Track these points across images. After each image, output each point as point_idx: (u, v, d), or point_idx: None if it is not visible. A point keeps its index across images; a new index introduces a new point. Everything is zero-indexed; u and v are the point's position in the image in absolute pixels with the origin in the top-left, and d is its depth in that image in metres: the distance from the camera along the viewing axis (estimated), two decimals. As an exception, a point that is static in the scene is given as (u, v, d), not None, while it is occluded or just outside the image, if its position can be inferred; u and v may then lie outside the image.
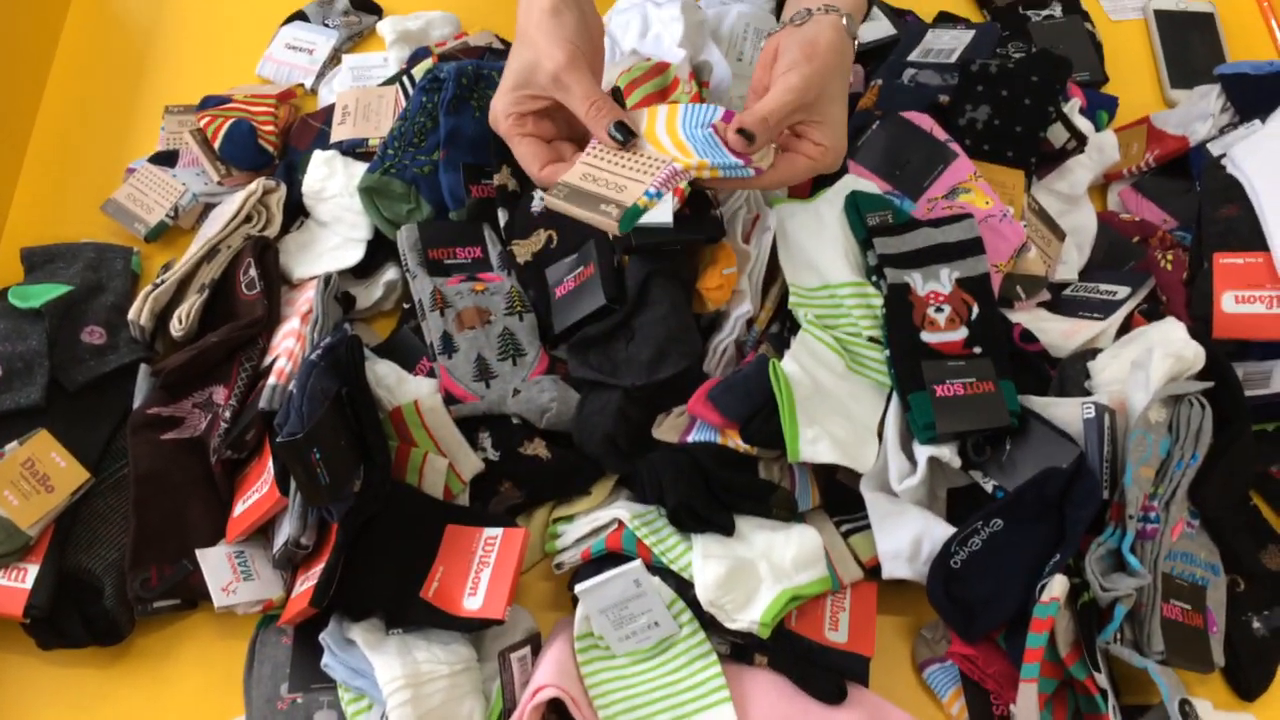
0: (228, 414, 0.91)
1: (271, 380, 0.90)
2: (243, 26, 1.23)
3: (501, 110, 0.87)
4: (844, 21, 0.87)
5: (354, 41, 1.22)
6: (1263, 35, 1.24)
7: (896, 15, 1.20)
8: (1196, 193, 1.06)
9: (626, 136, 0.81)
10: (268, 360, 0.94)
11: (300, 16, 1.22)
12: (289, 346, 0.93)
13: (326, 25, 1.21)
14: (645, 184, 0.81)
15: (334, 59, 1.19)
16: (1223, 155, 1.02)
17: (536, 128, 0.88)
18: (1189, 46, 1.22)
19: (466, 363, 0.94)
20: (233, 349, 0.95)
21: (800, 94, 0.83)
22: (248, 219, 1.01)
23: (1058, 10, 1.23)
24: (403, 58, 1.17)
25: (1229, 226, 0.97)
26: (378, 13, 1.24)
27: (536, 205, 1.02)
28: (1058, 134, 1.06)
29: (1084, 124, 1.09)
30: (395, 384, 0.93)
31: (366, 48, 1.22)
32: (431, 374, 0.95)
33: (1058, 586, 0.80)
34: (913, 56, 1.12)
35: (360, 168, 1.05)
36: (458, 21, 1.21)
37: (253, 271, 0.97)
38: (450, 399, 0.92)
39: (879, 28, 1.19)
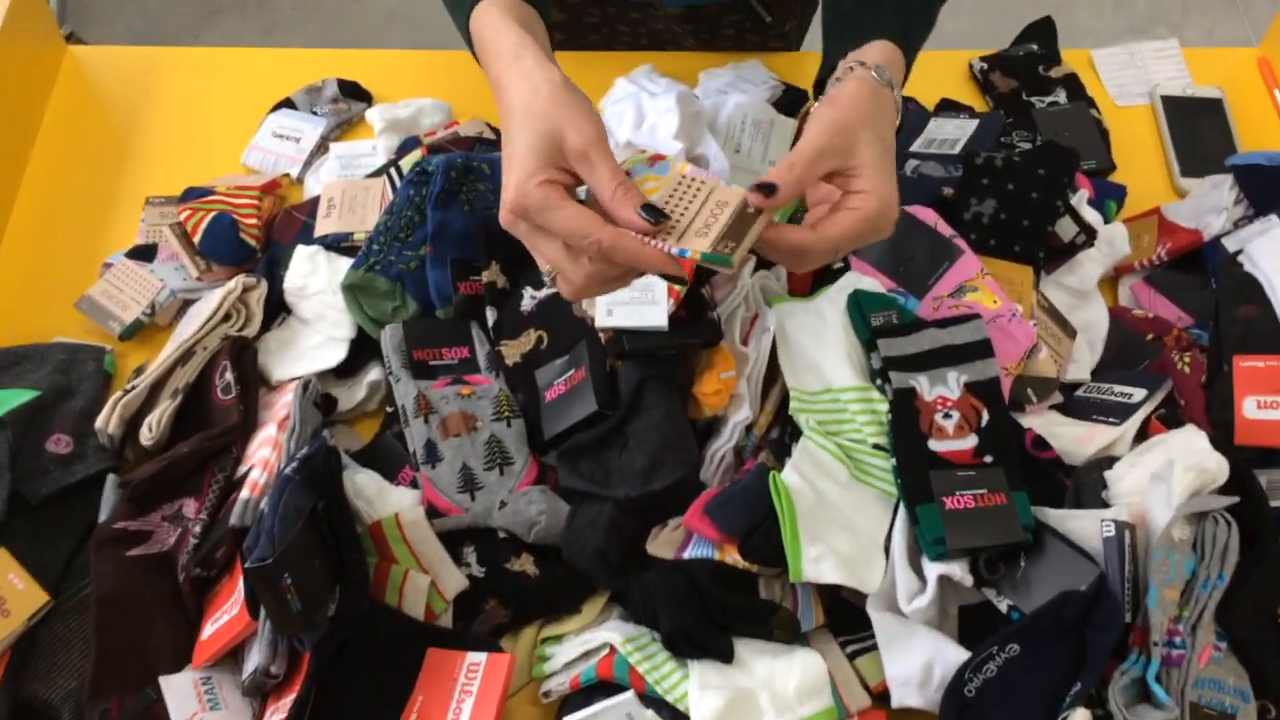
0: (198, 529, 0.87)
1: (244, 494, 0.86)
2: (229, 115, 1.20)
3: (530, 180, 0.71)
4: (871, 74, 0.79)
5: (342, 129, 1.19)
6: (1273, 122, 1.21)
7: (897, 103, 1.17)
8: (1212, 289, 1.02)
9: (657, 218, 0.73)
10: (242, 470, 0.89)
11: (288, 104, 1.19)
12: (264, 456, 0.89)
13: (314, 113, 1.18)
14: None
15: (321, 147, 1.16)
16: (1239, 251, 0.99)
17: None
18: (1198, 133, 1.19)
19: (451, 473, 0.90)
20: (205, 458, 0.90)
21: (825, 138, 0.74)
22: (226, 318, 0.98)
23: (1062, 96, 1.20)
24: (391, 147, 1.13)
25: (1248, 327, 0.93)
26: (367, 100, 1.21)
27: (526, 304, 0.98)
28: (1066, 228, 1.02)
29: (1092, 216, 1.06)
30: (375, 495, 0.88)
31: (355, 135, 1.19)
32: (414, 484, 0.91)
33: (1080, 721, 0.75)
34: (915, 147, 1.09)
35: (344, 263, 1.01)
36: (449, 109, 1.18)
37: (229, 375, 0.93)
38: (433, 512, 0.88)
39: (880, 116, 1.16)
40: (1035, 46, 1.25)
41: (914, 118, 1.14)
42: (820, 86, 0.86)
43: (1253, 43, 1.33)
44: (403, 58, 1.27)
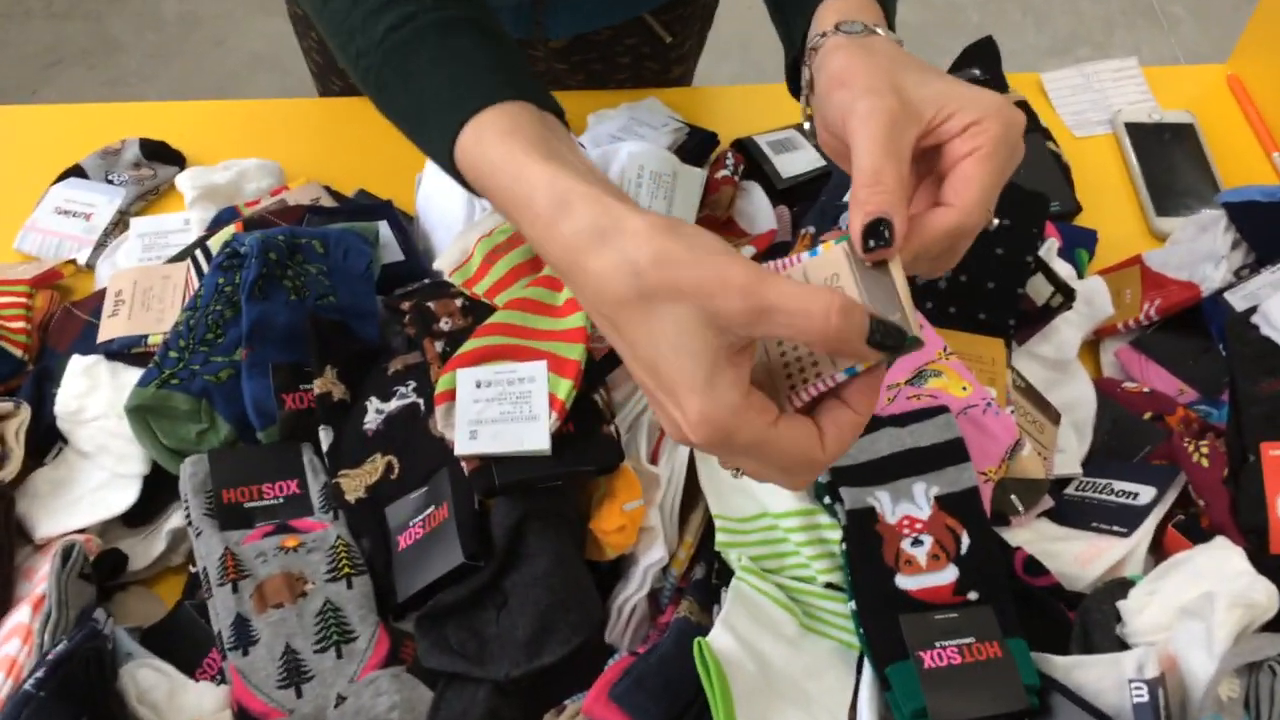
0: (-85, 764, 0.63)
1: (-25, 714, 0.62)
2: (2, 188, 0.96)
3: (720, 404, 0.47)
4: (840, 36, 0.57)
5: (147, 201, 0.96)
6: (1251, 147, 1.05)
7: (824, 143, 0.99)
8: (1218, 354, 0.84)
9: (896, 341, 0.47)
10: (-21, 675, 0.66)
11: (77, 172, 0.96)
12: (10, 654, 0.66)
13: (110, 182, 0.95)
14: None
15: (120, 224, 0.93)
16: (1250, 310, 0.81)
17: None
18: (1171, 165, 1.02)
19: (269, 660, 0.67)
20: (-72, 662, 0.66)
21: (882, 115, 0.51)
22: (-29, 459, 0.74)
23: (1013, 129, 1.03)
24: (206, 219, 0.91)
25: (1275, 407, 0.75)
26: (178, 163, 0.98)
27: (371, 420, 0.76)
28: (1039, 288, 0.84)
29: (1064, 269, 0.88)
30: (165, 699, 0.66)
31: (164, 207, 0.96)
32: (221, 677, 0.68)
33: None
34: (849, 198, 0.89)
35: (134, 376, 0.78)
36: (279, 171, 0.96)
37: (-33, 541, 0.69)
38: (245, 716, 0.65)
39: (805, 159, 0.97)
40: (977, 71, 1.07)
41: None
42: (794, 73, 0.65)
43: (1180, 60, 1.17)
44: (224, 110, 1.04)
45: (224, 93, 2.18)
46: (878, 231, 0.49)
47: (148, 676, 0.66)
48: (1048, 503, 0.78)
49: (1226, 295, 0.85)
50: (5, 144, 1.01)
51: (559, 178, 0.51)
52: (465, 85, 0.57)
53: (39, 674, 0.61)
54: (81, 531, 0.75)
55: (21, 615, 0.68)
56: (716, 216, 0.91)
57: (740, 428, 0.47)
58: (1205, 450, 0.76)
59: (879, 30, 0.58)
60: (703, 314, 0.47)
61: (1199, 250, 0.89)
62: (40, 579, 0.71)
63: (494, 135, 0.55)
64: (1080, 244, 0.95)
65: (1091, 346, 0.92)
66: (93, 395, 0.78)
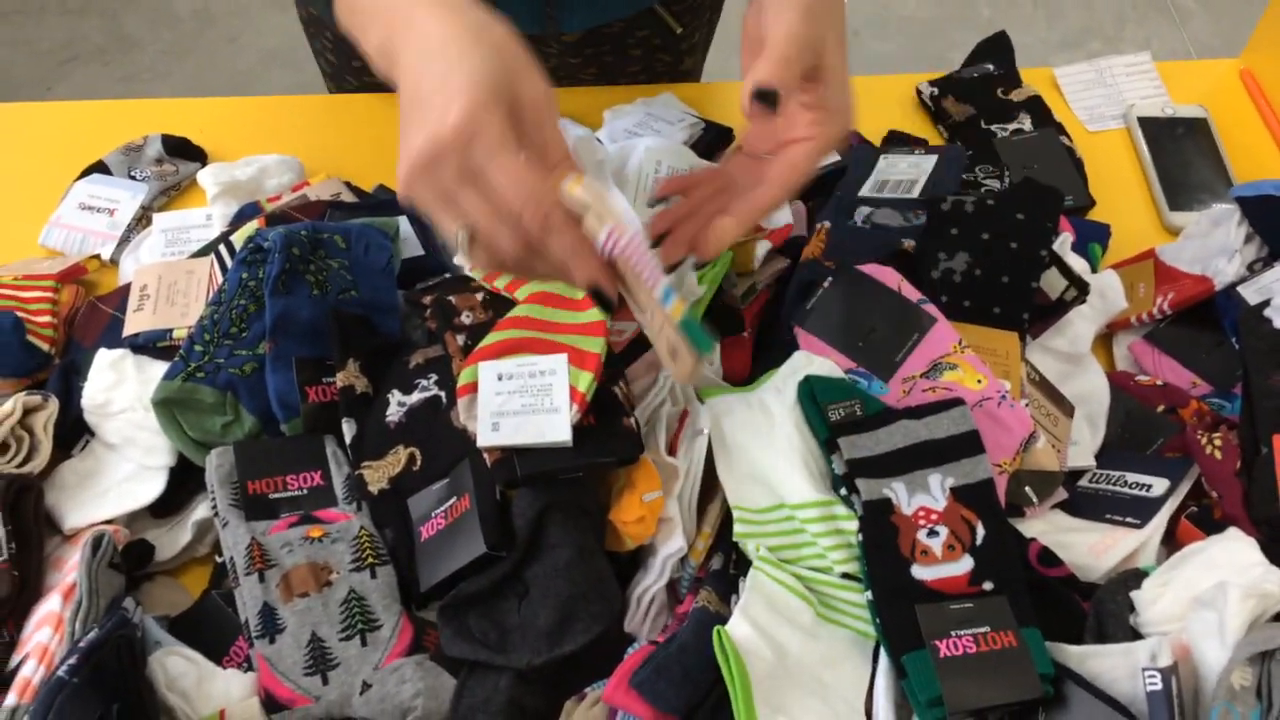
0: (-50, 749, 0.64)
1: (10, 699, 0.64)
2: (25, 184, 0.97)
3: (483, 108, 0.54)
4: None
5: (169, 196, 0.98)
6: (1264, 141, 1.06)
7: (839, 137, 0.99)
8: (1231, 347, 0.85)
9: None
10: (14, 661, 0.67)
11: (100, 168, 0.97)
12: (42, 642, 0.67)
13: (133, 177, 0.97)
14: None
15: (142, 220, 0.95)
16: (1264, 304, 0.82)
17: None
18: (1184, 159, 1.03)
19: (296, 648, 0.68)
20: (-38, 649, 0.68)
21: (806, 32, 0.63)
22: (2, 450, 0.75)
23: (1027, 123, 1.04)
24: (228, 215, 0.92)
25: (1289, 399, 0.76)
26: (200, 159, 0.99)
27: (394, 413, 0.77)
28: (1054, 282, 0.84)
29: (1078, 263, 0.88)
30: (194, 686, 0.67)
31: (186, 203, 0.98)
32: (248, 664, 0.69)
33: None
34: (865, 191, 0.90)
35: (159, 370, 0.79)
36: (300, 167, 0.97)
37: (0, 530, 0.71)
38: (272, 703, 0.67)
39: (819, 154, 0.97)
40: (991, 66, 1.08)
41: (859, 154, 0.95)
42: None
43: (1191, 53, 1.17)
44: (242, 106, 1.05)
45: (238, 89, 2.19)
46: (766, 97, 0.61)
47: (176, 664, 0.68)
48: (1062, 494, 0.79)
49: (1239, 289, 0.85)
50: (25, 141, 1.02)
51: None
52: None
53: (71, 661, 0.63)
54: (109, 522, 0.76)
55: (53, 604, 0.69)
56: (732, 211, 0.92)
57: (491, 122, 0.54)
58: (1218, 443, 0.77)
59: None
60: (509, 75, 0.55)
61: (1212, 244, 0.90)
62: (69, 569, 0.72)
63: None
64: (1094, 238, 0.96)
65: (1105, 340, 0.93)
66: (119, 388, 0.79)
